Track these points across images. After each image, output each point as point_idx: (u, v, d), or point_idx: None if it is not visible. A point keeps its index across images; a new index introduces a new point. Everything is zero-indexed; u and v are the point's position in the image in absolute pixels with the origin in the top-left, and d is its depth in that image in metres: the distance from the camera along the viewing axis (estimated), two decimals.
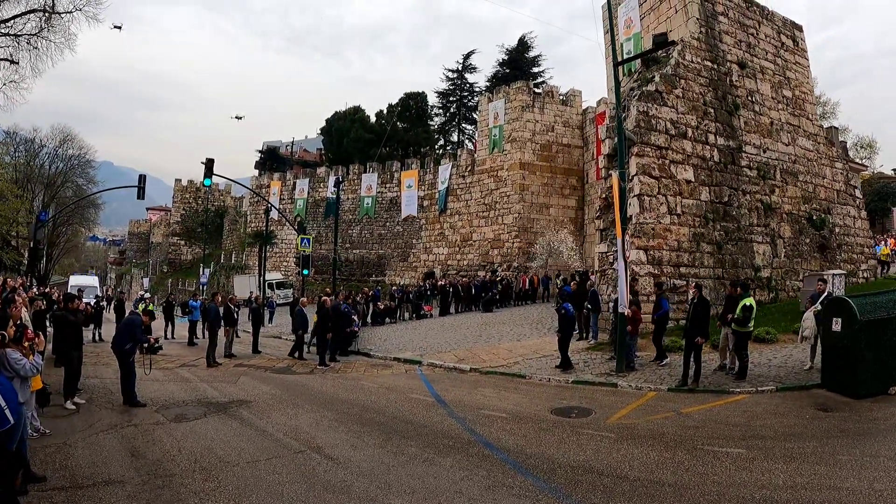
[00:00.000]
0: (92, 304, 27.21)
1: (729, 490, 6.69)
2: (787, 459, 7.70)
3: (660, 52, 20.82)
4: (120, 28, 38.80)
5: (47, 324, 15.65)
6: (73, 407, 11.23)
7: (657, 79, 20.44)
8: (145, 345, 12.78)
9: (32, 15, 30.06)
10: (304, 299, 22.85)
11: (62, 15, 30.45)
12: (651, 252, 18.49)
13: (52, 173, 57.65)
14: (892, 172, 75.13)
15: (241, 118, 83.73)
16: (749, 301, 12.87)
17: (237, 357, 19.36)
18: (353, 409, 11.30)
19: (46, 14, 30.09)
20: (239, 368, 17.13)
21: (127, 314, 16.22)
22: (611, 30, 16.01)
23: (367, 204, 47.43)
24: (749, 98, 23.80)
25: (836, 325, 11.57)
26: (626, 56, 24.17)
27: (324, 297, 19.22)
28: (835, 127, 59.32)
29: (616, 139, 16.08)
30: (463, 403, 11.52)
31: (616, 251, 15.58)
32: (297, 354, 19.15)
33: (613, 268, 17.30)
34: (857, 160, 65.79)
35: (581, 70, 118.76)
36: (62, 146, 57.99)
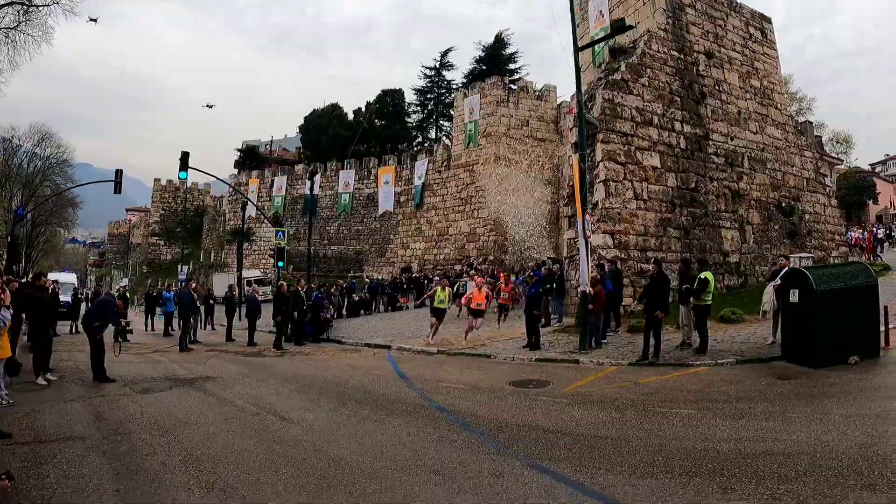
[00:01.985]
0: (70, 300, 27.28)
1: (671, 442, 6.80)
2: (735, 418, 7.82)
3: (625, 39, 21.20)
4: (95, 21, 38.59)
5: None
6: (45, 382, 11.39)
7: (622, 67, 20.75)
8: (117, 327, 13.02)
9: (10, 8, 29.98)
10: (256, 286, 23.22)
11: (40, 8, 30.43)
12: (617, 237, 18.73)
13: (31, 172, 57.13)
14: (869, 167, 76.46)
15: (211, 107, 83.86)
16: (706, 275, 13.11)
17: (209, 344, 19.60)
18: (314, 383, 11.58)
19: (24, 7, 30.03)
20: (211, 352, 17.57)
21: (102, 295, 16.47)
22: (571, 16, 16.17)
23: (345, 200, 47.46)
24: (716, 87, 24.13)
25: (794, 296, 11.67)
26: (597, 49, 24.52)
27: (280, 282, 19.49)
28: (809, 121, 60.03)
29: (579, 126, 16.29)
30: (424, 378, 11.66)
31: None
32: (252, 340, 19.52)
33: None
34: (834, 154, 66.81)
35: (562, 67, 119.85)
36: (40, 144, 57.55)
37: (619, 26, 14.65)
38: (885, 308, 12.30)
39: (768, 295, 13.75)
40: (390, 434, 7.46)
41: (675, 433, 7.20)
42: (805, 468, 5.66)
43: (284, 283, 19.19)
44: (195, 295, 20.67)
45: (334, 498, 5.22)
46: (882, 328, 11.92)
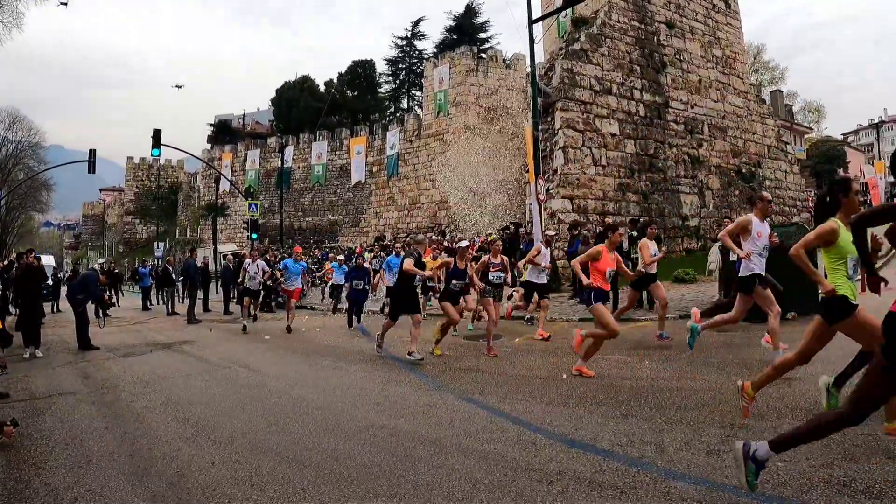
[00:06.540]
0: (50, 281, 27.69)
1: (594, 380, 7.52)
2: (660, 362, 8.56)
3: (587, 10, 21.70)
4: (66, 4, 38.25)
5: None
6: (35, 355, 11.85)
7: (582, 38, 21.31)
8: (100, 299, 13.79)
9: None
10: (231, 257, 23.78)
11: None
12: (577, 201, 19.46)
13: (3, 157, 56.87)
14: (841, 136, 77.91)
15: (181, 87, 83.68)
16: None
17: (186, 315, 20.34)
18: (283, 342, 12.53)
19: None
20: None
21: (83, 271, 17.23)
22: None
23: (318, 172, 47.67)
24: (677, 56, 24.76)
25: (733, 254, 12.40)
26: (560, 21, 25.02)
27: (244, 252, 20.07)
28: (780, 90, 61.11)
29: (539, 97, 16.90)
30: (386, 335, 12.34)
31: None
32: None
33: None
34: (805, 124, 68.10)
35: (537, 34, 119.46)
36: (11, 129, 57.22)
37: None
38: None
39: (714, 255, 14.50)
40: (345, 378, 8.40)
41: (600, 373, 7.89)
42: (706, 401, 6.36)
43: (250, 253, 19.83)
44: (169, 268, 21.25)
45: (289, 424, 6.10)
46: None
